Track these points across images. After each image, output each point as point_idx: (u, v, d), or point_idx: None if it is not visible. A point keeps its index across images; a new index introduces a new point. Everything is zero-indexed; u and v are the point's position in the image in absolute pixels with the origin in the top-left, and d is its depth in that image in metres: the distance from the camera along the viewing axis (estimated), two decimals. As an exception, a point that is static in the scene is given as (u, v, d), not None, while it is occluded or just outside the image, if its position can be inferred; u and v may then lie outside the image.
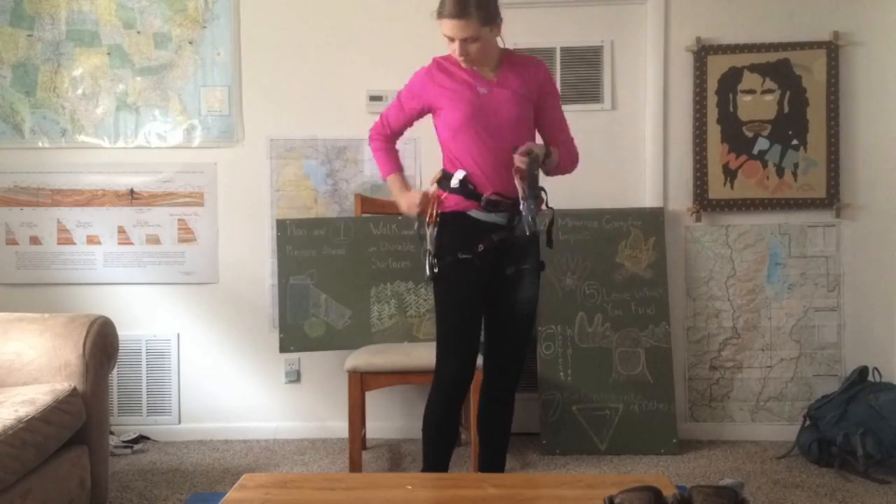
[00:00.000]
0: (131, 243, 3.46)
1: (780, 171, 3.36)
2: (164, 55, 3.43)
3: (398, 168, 2.40)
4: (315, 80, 3.44)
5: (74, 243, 3.46)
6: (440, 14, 2.16)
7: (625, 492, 1.37)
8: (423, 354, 2.79)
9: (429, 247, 2.24)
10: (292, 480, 1.83)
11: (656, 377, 3.25)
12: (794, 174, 3.35)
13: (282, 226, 3.20)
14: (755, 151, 3.36)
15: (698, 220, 3.39)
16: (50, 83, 3.44)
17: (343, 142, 3.44)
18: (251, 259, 3.46)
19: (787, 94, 3.34)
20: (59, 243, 3.46)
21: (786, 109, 3.34)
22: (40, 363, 2.33)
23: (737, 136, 3.36)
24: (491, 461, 2.41)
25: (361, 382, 2.82)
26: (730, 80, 3.35)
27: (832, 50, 3.31)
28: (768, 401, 3.39)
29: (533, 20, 3.40)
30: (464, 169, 2.21)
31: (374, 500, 1.63)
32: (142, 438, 3.40)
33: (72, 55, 3.43)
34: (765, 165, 3.36)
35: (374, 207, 3.31)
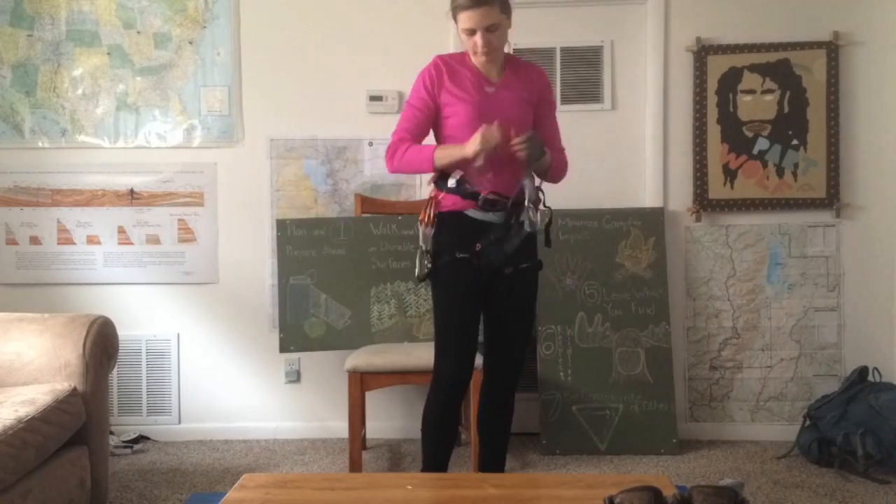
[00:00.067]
0: (131, 243, 3.46)
1: (780, 171, 3.36)
2: (164, 55, 3.44)
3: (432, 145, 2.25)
4: (315, 80, 3.44)
5: (74, 243, 3.46)
6: (460, 7, 2.14)
7: (625, 492, 1.37)
8: (423, 354, 2.79)
9: (421, 245, 2.24)
10: (292, 480, 1.83)
11: (656, 377, 3.25)
12: (794, 174, 3.35)
13: (282, 226, 3.20)
14: (755, 151, 3.36)
15: (698, 220, 3.39)
16: (50, 83, 3.44)
17: (343, 142, 3.44)
18: (251, 259, 3.46)
19: (787, 94, 3.34)
20: (59, 243, 3.46)
21: (786, 109, 3.34)
22: (40, 363, 2.33)
23: (737, 136, 3.36)
24: (491, 461, 2.41)
25: (361, 382, 2.81)
26: (730, 80, 3.35)
27: (832, 50, 3.31)
28: (768, 401, 3.39)
29: (533, 20, 3.40)
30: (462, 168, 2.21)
31: (374, 500, 1.63)
32: (142, 438, 3.40)
33: (72, 55, 3.43)
34: (765, 165, 3.36)
35: (374, 207, 3.31)
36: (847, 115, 3.34)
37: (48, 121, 3.44)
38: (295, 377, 3.47)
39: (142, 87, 3.44)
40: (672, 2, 3.37)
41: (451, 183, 2.20)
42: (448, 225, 2.24)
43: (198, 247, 3.47)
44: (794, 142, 3.35)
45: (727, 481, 1.40)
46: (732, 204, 3.37)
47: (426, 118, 2.26)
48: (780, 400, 3.39)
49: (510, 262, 2.24)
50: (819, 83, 3.33)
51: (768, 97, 3.35)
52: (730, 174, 3.37)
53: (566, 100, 3.44)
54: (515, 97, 2.25)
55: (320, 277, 3.18)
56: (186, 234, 3.46)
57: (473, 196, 2.19)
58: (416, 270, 2.25)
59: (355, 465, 2.82)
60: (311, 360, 3.45)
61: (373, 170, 3.44)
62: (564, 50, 3.44)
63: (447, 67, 2.25)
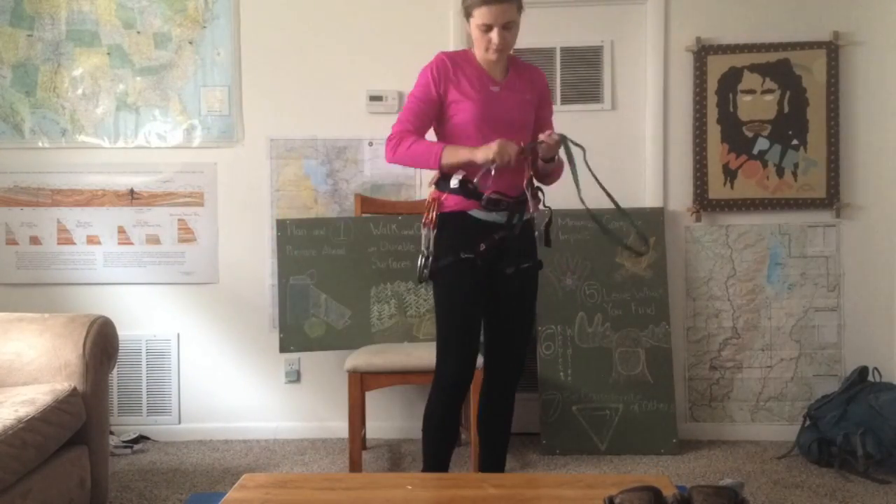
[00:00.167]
0: (131, 243, 3.46)
1: (780, 171, 3.36)
2: (164, 55, 3.44)
3: (441, 143, 2.22)
4: (315, 80, 3.44)
5: (74, 243, 3.46)
6: (480, 2, 2.12)
7: (625, 492, 1.37)
8: (423, 354, 2.79)
9: (423, 248, 2.23)
10: (292, 480, 1.83)
11: (656, 377, 3.25)
12: (794, 174, 3.35)
13: (282, 226, 3.20)
14: (755, 151, 3.36)
15: (698, 220, 3.39)
16: (50, 83, 3.44)
17: (343, 142, 3.44)
18: (251, 259, 3.46)
19: (787, 94, 3.34)
20: (59, 243, 3.46)
21: (786, 109, 3.34)
22: (40, 363, 2.33)
23: (737, 136, 3.36)
24: (491, 461, 2.41)
25: (361, 382, 2.81)
26: (730, 80, 3.35)
27: (832, 50, 3.31)
28: (768, 401, 3.39)
29: (533, 20, 3.37)
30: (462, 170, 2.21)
31: (374, 500, 1.63)
32: (142, 438, 3.40)
33: (72, 55, 3.43)
34: (765, 165, 3.36)
35: (374, 207, 3.31)
36: (847, 115, 3.34)
37: (48, 121, 3.44)
38: (295, 377, 3.47)
39: (142, 87, 3.44)
40: (672, 2, 3.37)
41: (454, 183, 2.18)
42: (451, 226, 2.23)
43: (198, 247, 3.47)
44: (794, 142, 3.35)
45: (727, 481, 1.40)
46: (732, 204, 3.37)
47: (431, 111, 2.24)
48: (780, 400, 3.39)
49: (511, 262, 2.24)
50: (819, 83, 3.33)
51: (768, 97, 3.35)
52: (730, 174, 3.37)
53: (566, 100, 3.44)
54: (519, 97, 2.26)
55: (320, 277, 3.18)
56: (186, 234, 3.46)
57: (477, 196, 2.18)
58: (417, 272, 2.24)
59: (355, 465, 2.82)
60: (311, 360, 3.45)
61: (373, 170, 3.44)
62: (564, 50, 3.44)
63: (452, 64, 2.24)
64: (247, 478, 1.74)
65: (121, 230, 3.46)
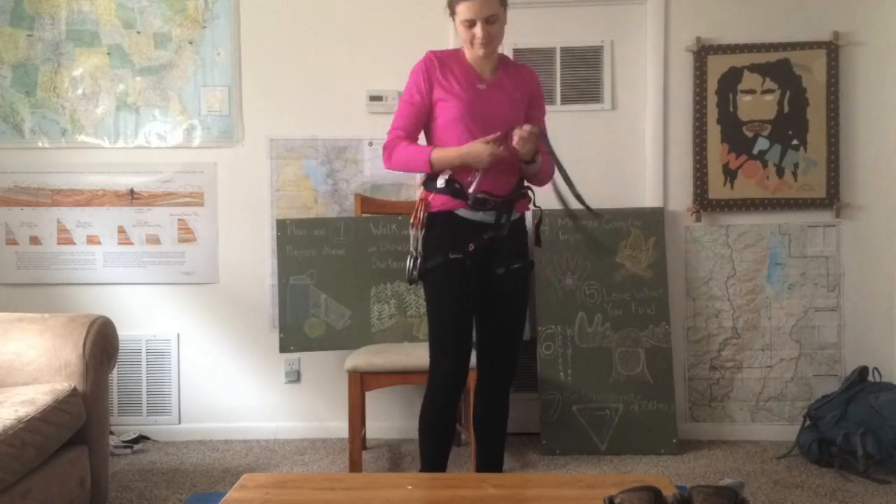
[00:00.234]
0: (131, 243, 3.46)
1: (780, 171, 3.36)
2: (164, 55, 3.44)
3: (430, 146, 2.26)
4: (315, 80, 3.44)
5: (74, 243, 3.46)
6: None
7: (625, 492, 1.37)
8: (423, 354, 2.78)
9: (412, 249, 2.24)
10: (292, 480, 1.83)
11: (656, 377, 3.25)
12: (794, 174, 3.35)
13: (282, 226, 3.20)
14: (755, 151, 3.36)
15: (698, 220, 3.39)
16: (50, 83, 3.44)
17: (343, 142, 3.44)
18: (251, 259, 3.46)
19: (787, 94, 3.34)
20: (59, 243, 3.46)
21: (786, 109, 3.34)
22: (40, 363, 2.33)
23: (737, 136, 3.36)
24: (487, 460, 2.41)
25: (361, 382, 2.81)
26: (730, 80, 3.35)
27: (832, 50, 3.31)
28: (768, 401, 3.39)
29: (533, 20, 3.40)
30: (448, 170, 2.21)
31: (374, 500, 1.63)
32: (142, 438, 3.40)
33: (72, 55, 3.43)
34: (765, 165, 3.36)
35: (374, 207, 3.31)
36: (847, 115, 3.34)
37: (48, 121, 3.45)
38: (295, 377, 3.47)
39: (142, 87, 3.44)
40: (672, 2, 3.37)
41: (441, 183, 2.20)
42: (439, 225, 2.23)
43: (198, 247, 3.47)
44: (794, 142, 3.35)
45: (727, 481, 1.40)
46: (732, 204, 3.37)
47: (421, 114, 2.26)
48: (780, 400, 3.39)
49: (502, 262, 2.24)
50: (819, 83, 3.33)
51: (768, 97, 3.35)
52: (730, 174, 3.37)
53: (566, 100, 3.44)
54: (507, 96, 2.25)
55: (320, 277, 3.18)
56: (186, 234, 3.46)
57: (463, 195, 2.18)
58: (406, 274, 2.25)
59: (355, 465, 2.82)
60: (311, 360, 3.45)
61: (373, 170, 3.44)
62: (564, 50, 3.44)
63: (439, 62, 2.25)
64: (247, 478, 1.74)
65: (121, 230, 3.46)
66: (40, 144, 3.45)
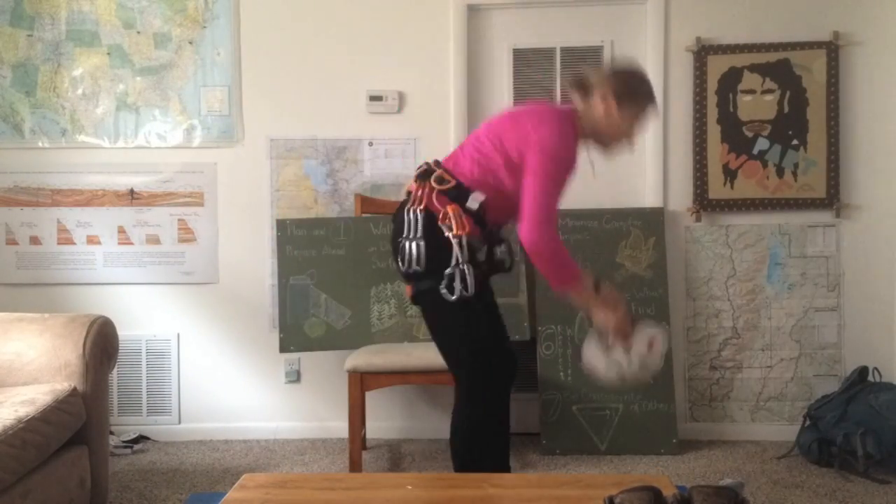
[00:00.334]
0: (131, 243, 3.47)
1: (780, 171, 3.36)
2: (164, 55, 3.44)
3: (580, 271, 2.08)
4: (315, 80, 3.44)
5: (74, 243, 3.46)
6: (654, 104, 2.15)
7: (625, 492, 1.37)
8: (423, 354, 2.79)
9: (459, 260, 2.01)
10: (292, 480, 1.83)
11: (656, 377, 3.24)
12: (794, 174, 3.35)
13: (282, 226, 3.20)
14: (755, 151, 3.36)
15: (698, 220, 3.39)
16: (50, 83, 3.44)
17: (343, 142, 3.44)
18: (251, 259, 3.46)
19: (787, 94, 3.34)
20: (59, 243, 3.46)
21: (786, 109, 3.35)
22: (40, 363, 2.33)
23: (737, 136, 3.36)
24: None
25: (361, 382, 2.82)
26: (730, 80, 3.35)
27: (832, 50, 3.31)
28: (768, 401, 3.39)
29: (533, 20, 3.40)
30: (484, 193, 2.08)
31: (374, 500, 1.63)
32: (142, 438, 3.40)
33: (72, 55, 3.43)
34: (765, 165, 3.36)
35: (374, 207, 3.31)
36: (847, 115, 3.34)
37: (48, 121, 3.45)
38: (295, 377, 3.47)
39: (142, 87, 3.44)
40: (672, 2, 3.37)
41: (473, 204, 2.06)
42: (471, 249, 2.08)
43: (198, 247, 3.47)
44: (794, 142, 3.35)
45: (727, 481, 1.40)
46: (732, 204, 3.37)
47: None
48: (780, 400, 3.39)
49: (489, 291, 2.19)
50: (819, 83, 3.33)
51: (768, 97, 3.35)
52: (730, 174, 3.37)
53: (566, 100, 3.43)
54: None
55: (320, 277, 3.18)
56: (186, 234, 3.46)
57: (483, 224, 2.09)
58: (458, 290, 1.99)
59: (355, 465, 2.82)
60: (311, 360, 3.45)
61: (373, 170, 3.44)
62: (564, 50, 3.44)
63: (576, 137, 2.16)
64: (247, 478, 1.74)
65: (121, 230, 3.46)
66: (40, 144, 3.45)
